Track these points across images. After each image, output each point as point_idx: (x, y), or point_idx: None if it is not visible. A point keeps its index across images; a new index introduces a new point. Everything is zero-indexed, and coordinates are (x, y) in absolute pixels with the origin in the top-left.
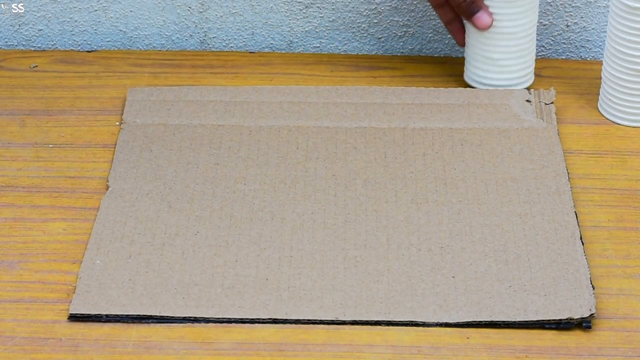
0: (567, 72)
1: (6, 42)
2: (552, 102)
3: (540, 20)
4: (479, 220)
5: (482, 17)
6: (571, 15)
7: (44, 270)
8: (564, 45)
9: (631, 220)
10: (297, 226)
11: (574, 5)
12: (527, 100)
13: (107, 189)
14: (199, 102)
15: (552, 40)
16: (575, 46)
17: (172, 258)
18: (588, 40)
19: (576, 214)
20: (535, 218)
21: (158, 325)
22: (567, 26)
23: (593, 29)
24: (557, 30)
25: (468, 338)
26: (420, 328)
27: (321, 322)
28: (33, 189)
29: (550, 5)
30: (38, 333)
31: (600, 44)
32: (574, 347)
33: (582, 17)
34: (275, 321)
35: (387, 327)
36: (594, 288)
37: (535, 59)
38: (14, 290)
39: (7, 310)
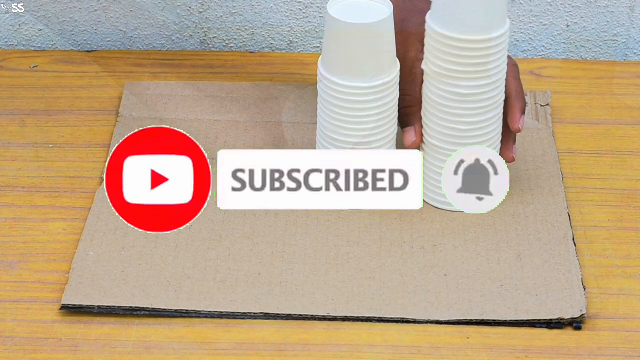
0: (567, 72)
1: (6, 42)
2: (547, 104)
3: (540, 20)
4: (472, 220)
5: (408, 133)
6: (571, 15)
7: (44, 271)
8: (564, 45)
9: (631, 220)
10: (290, 222)
11: (574, 5)
12: None
13: (102, 181)
14: (196, 97)
15: (552, 40)
16: (575, 46)
17: (165, 251)
18: (588, 40)
19: (569, 215)
20: (528, 218)
21: (158, 325)
22: (567, 26)
23: (593, 29)
24: (557, 30)
25: (468, 338)
26: (421, 328)
27: (313, 317)
28: (33, 189)
29: (550, 5)
30: (38, 333)
31: (600, 44)
32: (574, 347)
33: (582, 17)
34: (267, 316)
35: (387, 327)
36: (585, 289)
37: (535, 59)
38: (14, 290)
39: (7, 310)
